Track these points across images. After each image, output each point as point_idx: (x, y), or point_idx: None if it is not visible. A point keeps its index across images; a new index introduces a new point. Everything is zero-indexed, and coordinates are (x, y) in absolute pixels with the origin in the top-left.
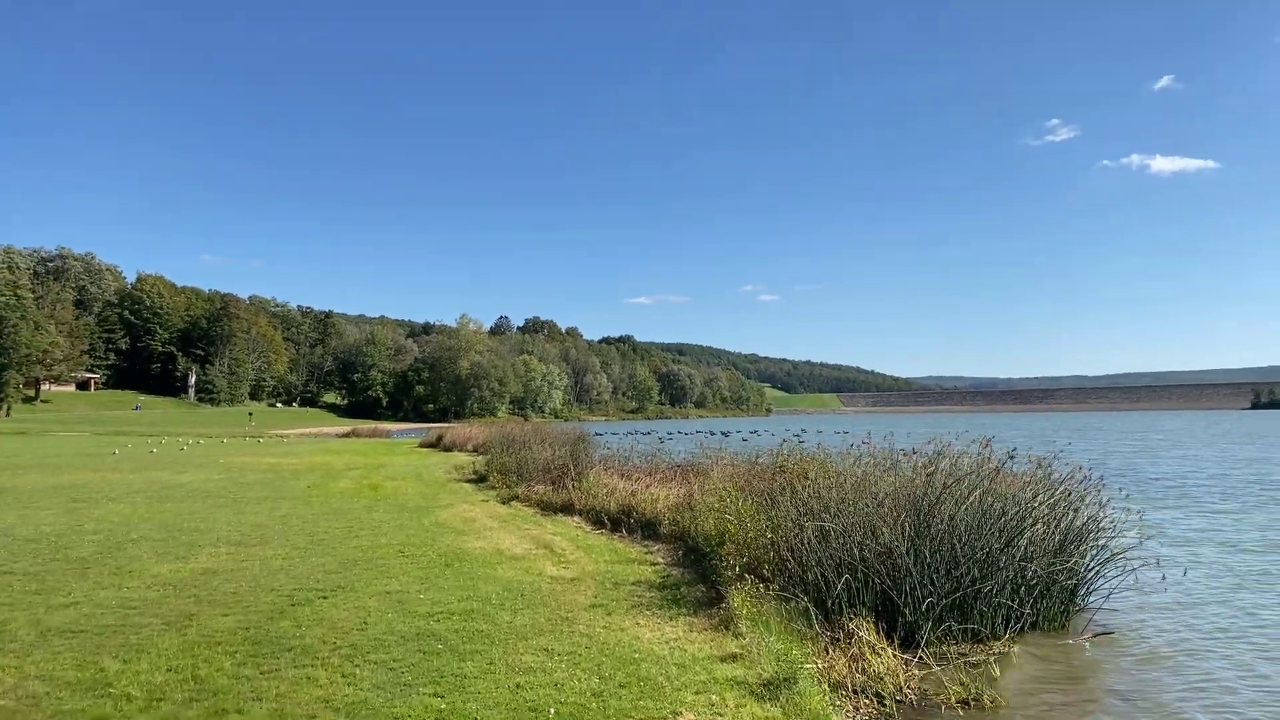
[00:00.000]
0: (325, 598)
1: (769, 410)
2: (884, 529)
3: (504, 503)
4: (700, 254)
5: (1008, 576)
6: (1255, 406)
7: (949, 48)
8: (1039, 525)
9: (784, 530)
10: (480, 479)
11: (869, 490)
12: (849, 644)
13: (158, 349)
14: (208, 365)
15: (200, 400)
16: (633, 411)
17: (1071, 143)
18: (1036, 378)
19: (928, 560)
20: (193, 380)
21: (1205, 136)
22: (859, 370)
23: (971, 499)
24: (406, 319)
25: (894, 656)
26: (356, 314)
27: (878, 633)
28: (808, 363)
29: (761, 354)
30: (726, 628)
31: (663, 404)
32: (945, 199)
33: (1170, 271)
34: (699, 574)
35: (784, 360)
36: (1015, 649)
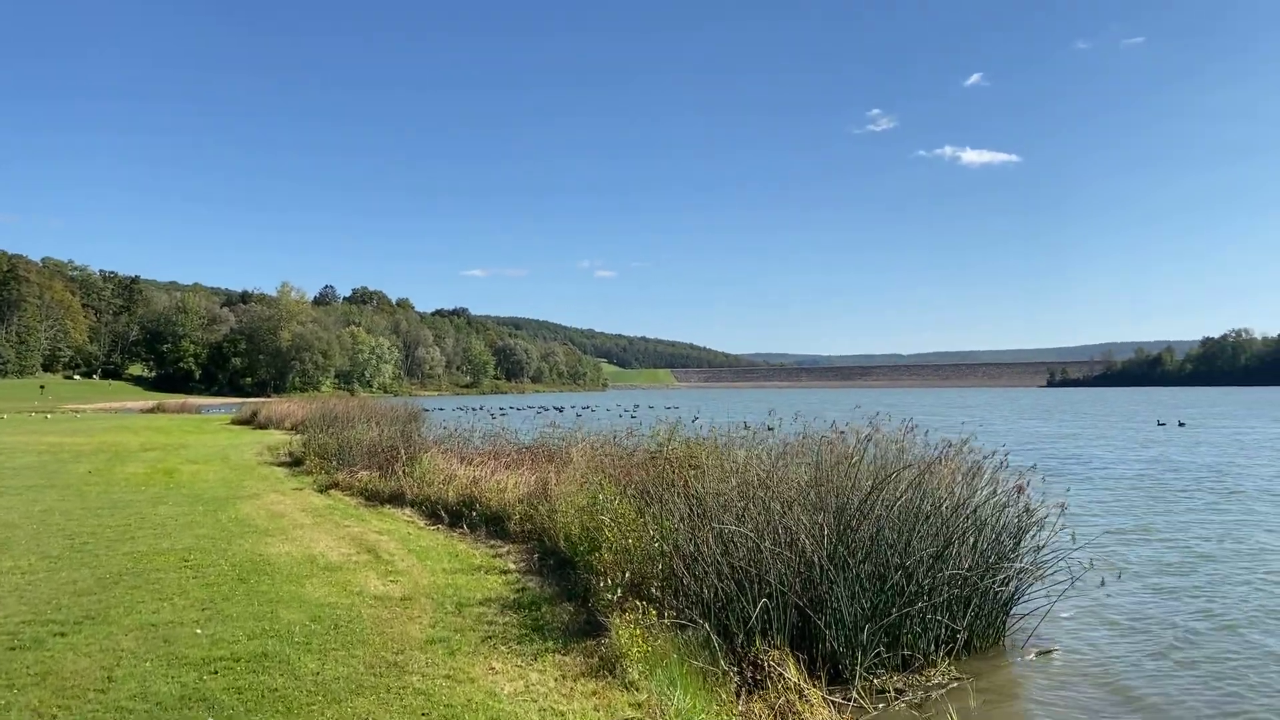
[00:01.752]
0: (63, 634)
1: (605, 385)
2: (802, 535)
3: (321, 491)
4: (537, 228)
5: (943, 590)
6: (1050, 384)
7: (781, 33)
8: (975, 525)
9: (674, 537)
10: (296, 462)
11: (778, 486)
12: (768, 688)
13: None
14: None
15: None
16: (467, 386)
17: (890, 132)
18: (854, 355)
19: (854, 574)
20: None
21: (1010, 131)
22: (691, 346)
23: (903, 497)
24: (223, 287)
25: (825, 701)
26: (167, 280)
27: (798, 667)
28: (643, 339)
29: (598, 329)
30: (611, 672)
31: (499, 379)
32: (770, 183)
33: (974, 257)
34: (563, 586)
35: (620, 336)
36: (952, 677)
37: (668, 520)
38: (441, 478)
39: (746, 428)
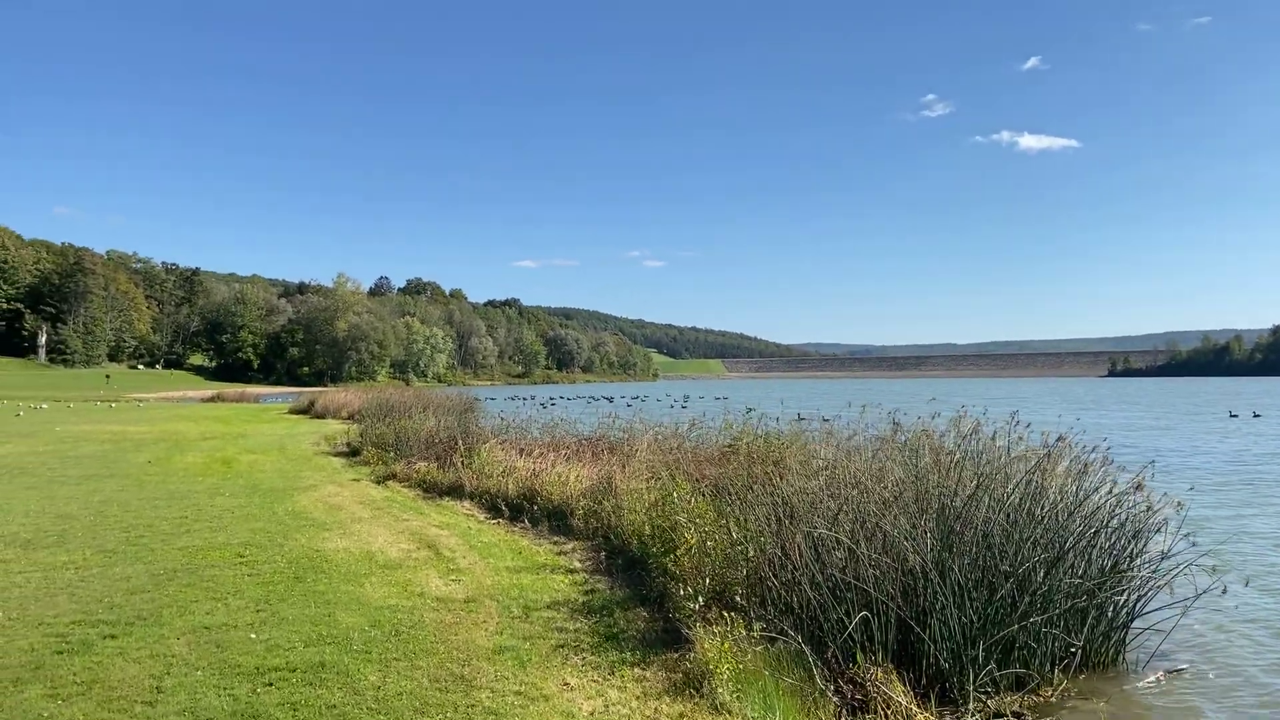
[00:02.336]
0: (114, 637)
1: (656, 375)
2: (902, 540)
3: (379, 482)
4: (587, 218)
5: (1059, 601)
6: (1111, 374)
7: (835, 18)
8: (1091, 528)
9: (760, 539)
10: (353, 453)
11: (874, 486)
12: (873, 710)
13: (3, 306)
14: (60, 324)
15: (52, 361)
16: (519, 376)
17: (946, 118)
18: (909, 345)
19: (960, 583)
20: (43, 340)
21: (1069, 116)
22: (742, 336)
23: (1012, 497)
24: (280, 278)
25: None
26: (227, 272)
27: (905, 687)
28: (693, 328)
29: (648, 319)
30: (698, 690)
31: (549, 368)
32: (822, 171)
33: (1033, 245)
34: (634, 589)
35: (670, 326)
36: (1073, 698)
37: (751, 522)
38: (500, 470)
39: (826, 420)
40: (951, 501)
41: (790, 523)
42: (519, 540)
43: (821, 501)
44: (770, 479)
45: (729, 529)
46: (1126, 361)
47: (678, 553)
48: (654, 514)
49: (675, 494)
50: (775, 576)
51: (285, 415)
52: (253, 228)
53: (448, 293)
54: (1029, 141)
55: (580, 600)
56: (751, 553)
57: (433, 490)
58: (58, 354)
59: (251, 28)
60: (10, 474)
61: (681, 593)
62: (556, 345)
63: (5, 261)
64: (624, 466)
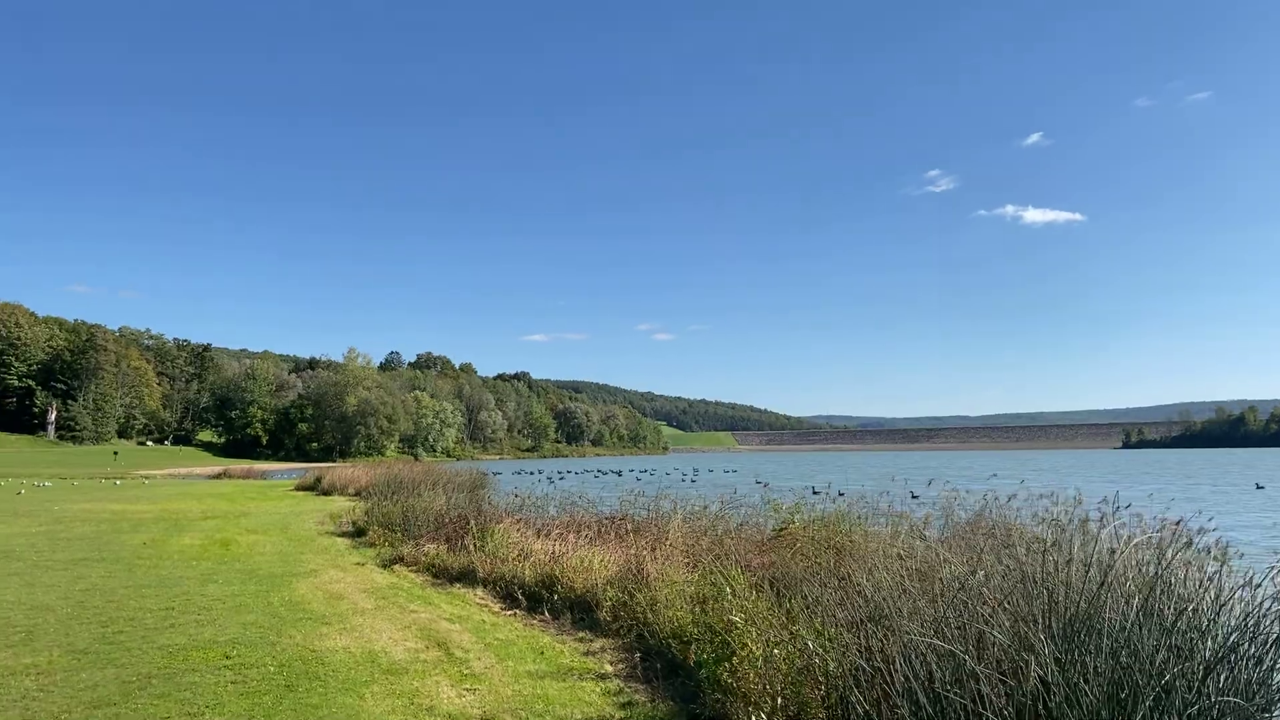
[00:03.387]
0: None
1: (666, 448)
2: (1022, 652)
3: (384, 566)
4: (597, 288)
5: (1191, 713)
6: (1126, 445)
7: (837, 98)
8: (1224, 634)
9: (841, 650)
10: (358, 533)
11: (975, 582)
12: None
13: (14, 383)
14: (70, 401)
15: (61, 438)
16: (528, 450)
17: (950, 193)
18: (920, 417)
19: (1090, 698)
20: (53, 417)
21: (1072, 190)
22: (752, 409)
23: (1139, 599)
24: (291, 353)
25: None
26: (238, 348)
27: None
28: (703, 401)
29: (657, 392)
30: None
31: (559, 442)
32: (828, 245)
33: (1042, 317)
34: (680, 702)
35: (679, 399)
36: None
37: (827, 627)
38: (516, 552)
39: (886, 494)
40: (1071, 603)
41: (875, 625)
42: (539, 636)
43: (914, 601)
44: (834, 571)
45: (800, 635)
46: (1141, 433)
47: (734, 660)
48: (700, 610)
49: (728, 588)
50: (863, 696)
51: (291, 492)
52: (264, 303)
53: (457, 366)
54: (1034, 215)
55: (618, 717)
56: (832, 665)
57: (442, 575)
58: (67, 430)
59: (259, 105)
60: None
61: (748, 713)
62: (566, 419)
63: (19, 339)
64: (653, 550)
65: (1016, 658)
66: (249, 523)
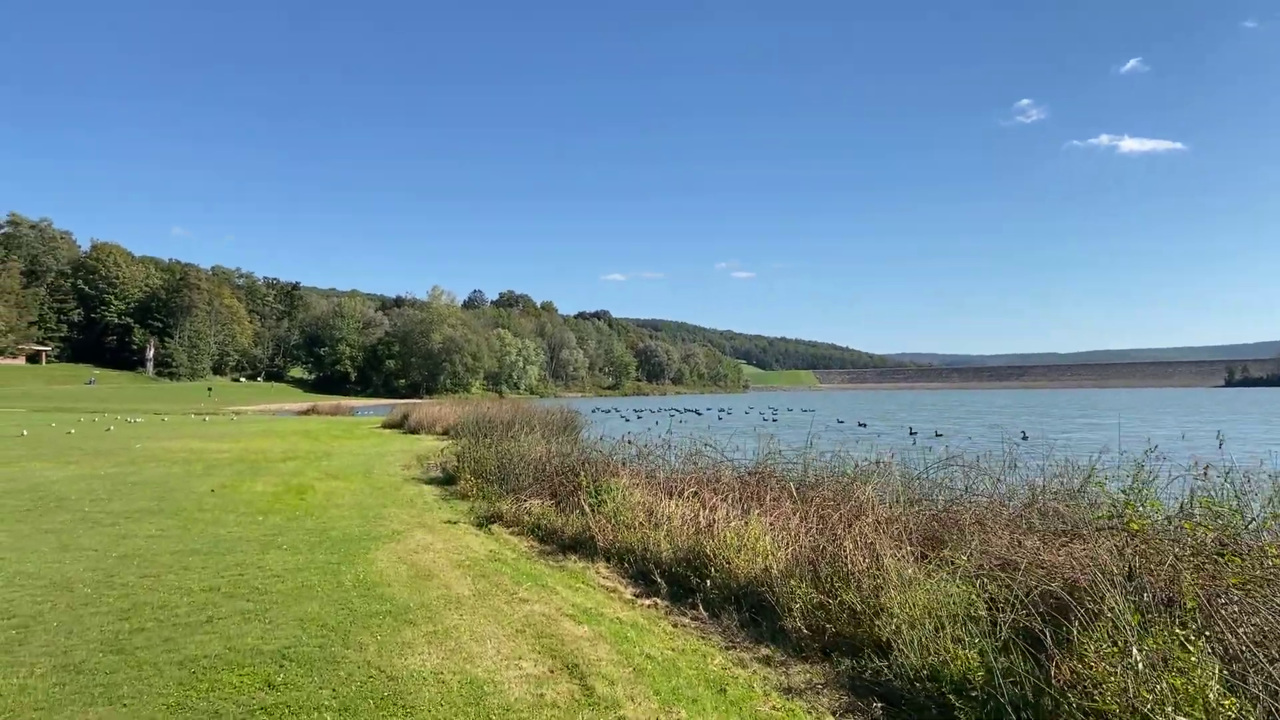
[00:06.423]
0: None
1: (746, 386)
2: None
3: (481, 526)
4: (675, 230)
5: None
6: (1229, 384)
7: (924, 27)
8: None
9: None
10: (448, 480)
11: None
12: None
13: (113, 321)
14: (166, 338)
15: (159, 375)
16: (610, 388)
17: (1041, 124)
18: (1008, 354)
19: None
20: (150, 353)
21: (1173, 119)
22: (833, 347)
23: None
24: (378, 293)
25: None
26: (327, 287)
27: None
28: (783, 339)
29: (737, 330)
30: None
31: (640, 380)
32: (918, 179)
33: (1139, 251)
34: None
35: (759, 337)
36: None
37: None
38: (643, 516)
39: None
40: None
41: None
42: (705, 650)
43: None
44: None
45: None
46: (1245, 370)
47: None
48: (1001, 653)
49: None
50: None
51: (377, 430)
52: (352, 244)
53: (539, 305)
54: (1130, 145)
55: None
56: None
57: (550, 541)
58: (164, 367)
59: (359, 68)
60: (44, 507)
61: None
62: (647, 357)
63: (117, 278)
64: (847, 525)
65: None
66: (330, 465)
